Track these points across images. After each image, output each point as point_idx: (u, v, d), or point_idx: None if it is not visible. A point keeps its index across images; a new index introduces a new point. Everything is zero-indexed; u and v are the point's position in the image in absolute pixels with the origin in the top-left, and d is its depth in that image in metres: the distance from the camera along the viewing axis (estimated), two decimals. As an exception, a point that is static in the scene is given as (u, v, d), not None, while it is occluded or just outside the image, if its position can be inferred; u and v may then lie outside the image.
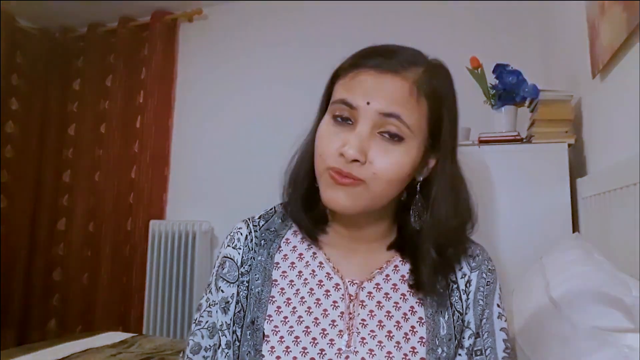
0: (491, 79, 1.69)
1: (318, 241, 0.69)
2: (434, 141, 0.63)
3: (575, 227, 1.45)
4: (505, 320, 0.68)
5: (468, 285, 0.67)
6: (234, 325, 0.66)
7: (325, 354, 0.60)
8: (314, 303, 0.64)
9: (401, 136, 0.59)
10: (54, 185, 3.07)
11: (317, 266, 0.67)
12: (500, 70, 1.65)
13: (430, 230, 0.64)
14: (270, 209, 0.74)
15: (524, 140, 1.62)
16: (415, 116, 0.59)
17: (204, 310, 0.69)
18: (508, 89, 1.63)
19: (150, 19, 2.93)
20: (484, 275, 0.68)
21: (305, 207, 0.68)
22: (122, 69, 2.97)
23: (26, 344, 1.86)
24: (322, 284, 0.66)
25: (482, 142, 1.62)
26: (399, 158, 0.59)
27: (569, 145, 1.51)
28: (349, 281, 0.66)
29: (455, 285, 0.67)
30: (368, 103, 0.58)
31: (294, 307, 0.64)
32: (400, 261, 0.68)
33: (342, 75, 0.63)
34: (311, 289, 0.65)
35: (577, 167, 1.54)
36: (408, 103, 0.59)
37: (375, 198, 0.60)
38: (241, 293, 0.66)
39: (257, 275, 0.67)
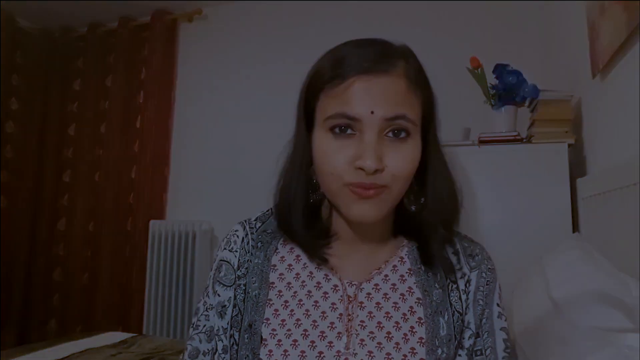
0: (491, 79, 1.69)
1: (327, 262, 0.67)
2: (424, 124, 0.62)
3: (575, 227, 1.44)
4: (505, 320, 0.68)
5: (468, 285, 0.66)
6: (231, 328, 0.65)
7: (324, 356, 0.60)
8: (312, 305, 0.64)
9: (408, 132, 0.59)
10: (54, 185, 3.07)
11: (315, 268, 0.67)
12: (500, 70, 1.65)
13: (433, 209, 0.64)
14: (267, 211, 0.73)
15: (524, 140, 1.62)
16: (415, 109, 0.60)
17: (202, 314, 0.68)
18: (508, 89, 1.63)
19: (150, 19, 2.92)
20: (484, 274, 0.67)
21: (307, 227, 0.66)
22: (122, 69, 2.97)
23: (26, 344, 1.86)
24: (320, 285, 0.65)
25: (482, 142, 1.62)
26: (410, 153, 0.59)
27: (569, 145, 1.51)
28: (347, 282, 0.65)
29: (454, 285, 0.66)
30: (372, 112, 0.57)
31: (292, 310, 0.63)
32: (399, 260, 0.68)
33: (327, 88, 0.60)
34: (309, 291, 0.65)
35: (577, 167, 1.54)
36: (407, 99, 0.59)
37: (395, 197, 0.60)
38: (238, 296, 0.66)
39: (254, 278, 0.66)
